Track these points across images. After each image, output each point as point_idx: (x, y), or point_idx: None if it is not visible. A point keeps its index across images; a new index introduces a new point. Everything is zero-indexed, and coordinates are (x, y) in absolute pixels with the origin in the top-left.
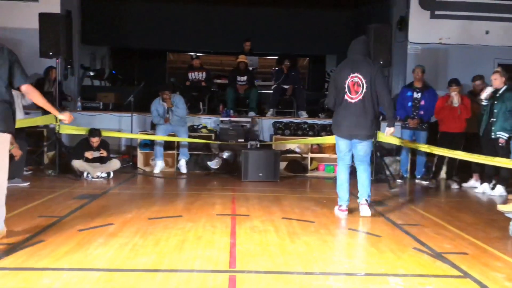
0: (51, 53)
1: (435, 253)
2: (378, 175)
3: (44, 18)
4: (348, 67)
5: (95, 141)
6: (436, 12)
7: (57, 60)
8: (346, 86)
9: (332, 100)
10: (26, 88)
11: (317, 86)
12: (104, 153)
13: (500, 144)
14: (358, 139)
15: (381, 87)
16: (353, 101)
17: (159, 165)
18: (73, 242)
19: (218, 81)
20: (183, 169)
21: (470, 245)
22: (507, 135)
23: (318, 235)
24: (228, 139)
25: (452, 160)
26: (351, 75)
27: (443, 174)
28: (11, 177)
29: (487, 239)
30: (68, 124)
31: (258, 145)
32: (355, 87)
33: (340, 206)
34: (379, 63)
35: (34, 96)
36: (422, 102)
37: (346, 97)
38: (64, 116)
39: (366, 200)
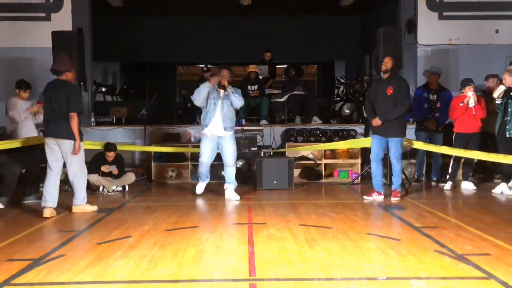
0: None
1: (457, 255)
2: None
3: (56, 36)
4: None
5: (110, 155)
6: (445, 13)
7: None
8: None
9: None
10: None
11: (327, 92)
12: (115, 172)
13: None
14: None
15: None
16: None
17: (201, 187)
18: (92, 255)
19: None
20: (233, 197)
21: (492, 245)
22: None
23: (336, 241)
24: (241, 148)
25: (468, 161)
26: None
27: (459, 175)
28: (28, 194)
29: (509, 239)
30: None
31: (272, 153)
32: None
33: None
34: None
35: None
36: (438, 104)
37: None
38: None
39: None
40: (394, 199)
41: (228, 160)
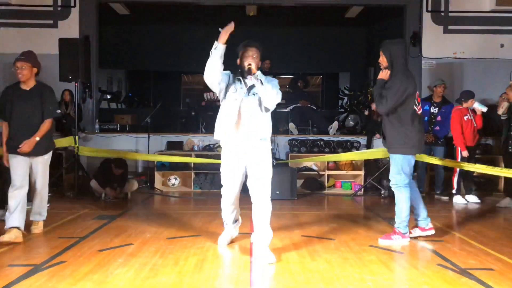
0: (70, 77)
1: (460, 269)
2: None
3: (63, 43)
4: (412, 78)
5: (118, 173)
6: (449, 27)
7: (76, 84)
8: (415, 99)
9: (391, 107)
10: None
11: (331, 104)
12: (118, 195)
13: None
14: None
15: None
16: (419, 112)
17: (227, 236)
18: (93, 262)
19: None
20: (269, 257)
21: (496, 260)
22: None
23: (338, 252)
24: None
25: (470, 174)
26: (416, 89)
27: (462, 189)
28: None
29: None
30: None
31: (274, 163)
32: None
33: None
34: None
35: None
36: (438, 118)
37: (415, 108)
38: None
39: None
40: (380, 241)
41: (259, 191)
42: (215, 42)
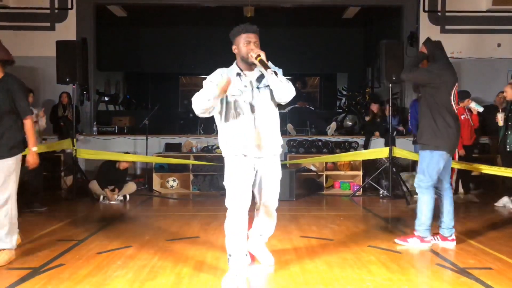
0: (67, 79)
1: (459, 269)
2: (395, 191)
3: (61, 45)
4: (452, 70)
5: (123, 167)
6: (447, 27)
7: (74, 86)
8: (453, 93)
9: (415, 77)
10: None
11: (329, 104)
12: (119, 198)
13: None
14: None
15: None
16: (456, 111)
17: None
18: (92, 265)
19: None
20: (267, 259)
21: (495, 260)
22: None
23: (337, 253)
24: None
25: (467, 174)
26: (456, 84)
27: (461, 188)
28: (29, 202)
29: (511, 253)
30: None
31: None
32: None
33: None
34: None
35: None
36: None
37: (452, 103)
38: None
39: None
40: (396, 241)
41: (270, 201)
42: (213, 91)
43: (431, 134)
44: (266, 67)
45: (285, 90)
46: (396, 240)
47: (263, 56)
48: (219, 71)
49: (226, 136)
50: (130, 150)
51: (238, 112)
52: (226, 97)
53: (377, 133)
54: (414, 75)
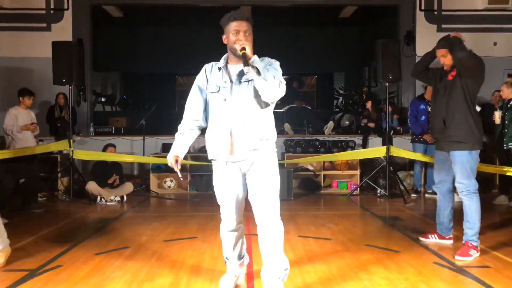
0: (64, 80)
1: (457, 267)
2: (393, 190)
3: (57, 46)
4: None
5: (112, 151)
6: (443, 26)
7: (70, 87)
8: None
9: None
10: None
11: (326, 104)
12: (117, 181)
13: None
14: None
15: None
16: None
17: (229, 278)
18: (90, 266)
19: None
20: None
21: (492, 258)
22: None
23: (335, 253)
24: None
25: None
26: None
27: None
28: (26, 203)
29: (509, 251)
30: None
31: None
32: None
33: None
34: None
35: None
36: None
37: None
38: None
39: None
40: (458, 258)
41: (262, 210)
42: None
43: (468, 131)
44: (245, 63)
45: (269, 90)
46: (457, 257)
47: (248, 49)
48: (205, 68)
49: (206, 139)
50: (127, 151)
51: (214, 112)
52: (207, 95)
53: (372, 124)
54: (469, 55)
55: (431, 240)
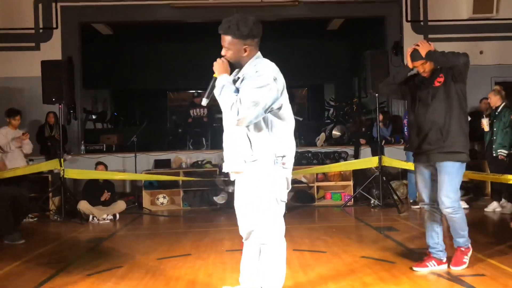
0: (54, 99)
1: (452, 277)
2: (386, 200)
3: (46, 65)
4: None
5: (101, 168)
6: (430, 36)
7: (60, 106)
8: None
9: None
10: None
11: (317, 115)
12: (108, 197)
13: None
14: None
15: None
16: None
17: None
18: (82, 287)
19: (220, 116)
20: None
21: (487, 266)
22: (506, 152)
23: (331, 265)
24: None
25: None
26: None
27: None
28: (8, 233)
29: (503, 259)
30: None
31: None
32: None
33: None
34: None
35: None
36: None
37: None
38: None
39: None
40: (454, 268)
41: (242, 228)
42: None
43: (464, 142)
44: (208, 93)
45: (231, 113)
46: (452, 267)
47: (215, 65)
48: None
49: None
50: (119, 168)
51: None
52: None
53: (363, 140)
54: (461, 58)
55: (430, 268)
